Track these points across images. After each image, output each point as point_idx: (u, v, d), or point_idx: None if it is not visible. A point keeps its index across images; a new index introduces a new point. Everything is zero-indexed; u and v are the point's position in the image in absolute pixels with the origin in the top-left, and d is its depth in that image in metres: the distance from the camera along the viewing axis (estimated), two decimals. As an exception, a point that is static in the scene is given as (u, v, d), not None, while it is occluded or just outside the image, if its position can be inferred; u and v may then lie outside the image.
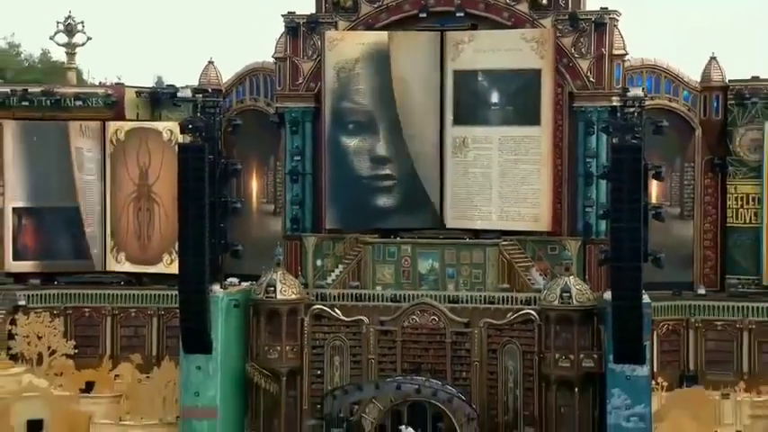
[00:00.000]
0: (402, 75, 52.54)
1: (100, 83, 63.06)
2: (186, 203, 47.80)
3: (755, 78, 52.60)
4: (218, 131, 49.68)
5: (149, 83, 60.20)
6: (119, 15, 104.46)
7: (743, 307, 51.05)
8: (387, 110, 52.75)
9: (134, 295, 55.06)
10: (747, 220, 52.22)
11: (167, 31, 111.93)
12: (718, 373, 50.65)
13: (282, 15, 53.47)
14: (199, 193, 47.64)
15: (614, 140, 46.62)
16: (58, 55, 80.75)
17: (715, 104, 52.58)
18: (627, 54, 51.78)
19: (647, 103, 48.54)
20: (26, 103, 55.83)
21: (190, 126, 48.52)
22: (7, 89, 56.56)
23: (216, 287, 48.89)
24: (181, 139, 51.70)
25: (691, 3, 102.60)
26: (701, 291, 52.07)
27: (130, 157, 55.88)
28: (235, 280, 50.83)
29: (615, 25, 51.44)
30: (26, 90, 56.21)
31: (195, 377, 48.39)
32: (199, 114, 48.99)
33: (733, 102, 52.25)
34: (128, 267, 56.24)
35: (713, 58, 53.26)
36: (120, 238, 56.24)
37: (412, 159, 52.78)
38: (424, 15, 51.94)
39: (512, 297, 49.07)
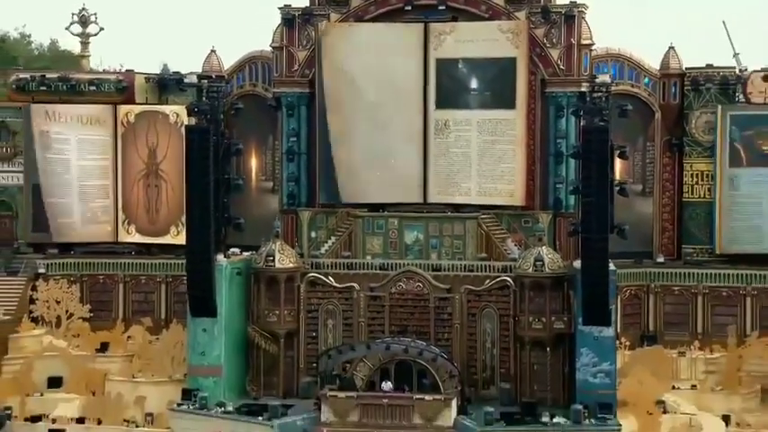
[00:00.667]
0: (388, 62, 52.34)
1: (110, 69, 62.74)
2: (193, 180, 47.91)
3: (710, 66, 53.13)
4: (221, 114, 49.49)
5: (154, 69, 60.11)
6: (124, 6, 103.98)
7: (697, 274, 51.71)
8: (376, 95, 52.64)
9: (144, 264, 55.36)
10: (702, 196, 52.79)
11: (171, 21, 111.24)
12: (675, 333, 51.29)
13: (279, 8, 53.45)
14: (204, 170, 47.66)
15: (583, 123, 46.69)
16: (66, 44, 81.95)
17: (673, 90, 52.97)
18: (594, 44, 52.00)
19: (612, 88, 48.51)
20: (44, 88, 55.93)
21: (196, 109, 48.44)
22: (27, 75, 56.69)
23: (220, 257, 48.90)
24: (186, 121, 51.70)
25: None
26: (660, 259, 52.61)
27: (140, 137, 55.92)
28: (237, 250, 50.70)
29: (583, 17, 51.62)
30: (44, 76, 56.32)
31: (201, 338, 48.50)
32: (204, 99, 49.11)
33: (689, 87, 52.68)
34: (138, 238, 56.35)
35: (671, 48, 53.65)
36: (131, 211, 56.34)
37: (398, 140, 52.66)
38: (410, 8, 51.95)
39: (489, 265, 49.13)
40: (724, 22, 55.70)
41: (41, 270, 53.77)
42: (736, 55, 54.66)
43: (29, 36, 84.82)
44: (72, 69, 59.18)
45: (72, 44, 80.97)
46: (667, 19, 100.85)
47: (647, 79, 53.15)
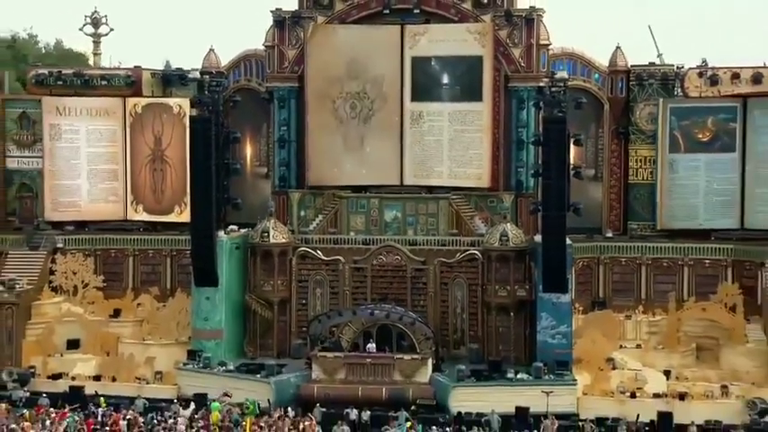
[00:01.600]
0: (368, 60, 52.25)
1: (117, 66, 62.28)
2: (197, 165, 48.09)
3: (652, 64, 53.49)
4: (221, 106, 49.41)
5: (157, 66, 59.99)
6: (130, 8, 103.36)
7: (641, 247, 52.03)
8: (357, 89, 52.55)
9: (151, 239, 55.16)
10: (645, 178, 53.04)
11: (172, 22, 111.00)
12: (621, 299, 51.50)
13: (271, 11, 53.10)
14: (206, 156, 47.81)
15: (544, 114, 46.85)
16: (70, 43, 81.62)
17: (620, 85, 52.96)
18: (550, 44, 51.96)
19: (568, 83, 48.57)
20: (60, 83, 55.44)
21: (199, 102, 48.45)
22: (45, 71, 56.19)
23: (220, 233, 49.03)
24: (189, 112, 51.82)
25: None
26: (609, 234, 52.74)
27: (146, 127, 55.42)
28: (235, 227, 50.73)
29: (541, 20, 51.51)
30: (60, 72, 55.88)
31: (204, 306, 48.76)
32: (206, 92, 48.86)
33: (634, 82, 52.77)
34: (145, 217, 55.97)
35: (618, 48, 53.66)
36: (139, 193, 55.96)
37: (378, 129, 52.60)
38: (387, 12, 51.68)
39: (459, 240, 49.53)
40: (650, 27, 56.18)
41: (60, 245, 53.43)
42: (659, 55, 55.07)
43: (36, 36, 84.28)
44: (78, 66, 58.96)
45: (75, 43, 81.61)
46: (614, 21, 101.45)
47: (597, 75, 53.09)
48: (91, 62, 62.50)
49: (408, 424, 39.25)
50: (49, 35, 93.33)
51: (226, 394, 43.31)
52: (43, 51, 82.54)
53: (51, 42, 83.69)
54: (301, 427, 39.28)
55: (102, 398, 43.40)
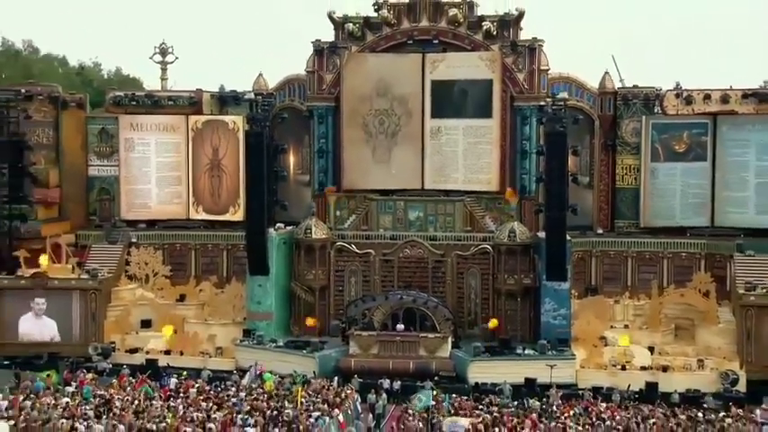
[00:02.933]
0: (394, 83, 52.02)
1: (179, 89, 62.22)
2: (252, 172, 48.50)
3: (635, 86, 53.17)
4: (270, 122, 49.73)
5: (212, 88, 59.59)
6: (190, 38, 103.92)
7: (627, 242, 51.85)
8: (385, 107, 52.35)
9: (210, 235, 55.08)
10: (629, 183, 52.74)
11: (226, 50, 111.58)
12: (611, 286, 51.32)
13: (312, 42, 52.96)
14: (259, 165, 48.22)
15: (547, 128, 46.73)
16: (127, 70, 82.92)
17: (608, 104, 52.70)
18: (549, 69, 51.57)
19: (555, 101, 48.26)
20: (134, 103, 55.65)
21: (253, 119, 48.60)
22: (121, 93, 56.44)
23: (270, 230, 49.28)
24: (243, 127, 52.17)
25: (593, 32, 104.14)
26: (600, 231, 52.54)
27: (206, 140, 55.35)
28: (282, 225, 50.91)
29: (541, 49, 51.13)
30: (134, 94, 56.20)
31: (257, 291, 48.98)
32: (258, 111, 49.05)
33: (620, 102, 52.54)
34: (204, 216, 55.83)
35: (607, 73, 53.54)
36: (199, 195, 55.85)
37: (402, 141, 52.33)
38: (411, 42, 51.69)
39: (473, 236, 49.41)
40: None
41: (134, 240, 53.74)
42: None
43: (100, 64, 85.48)
44: (141, 89, 59.55)
45: (133, 70, 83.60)
46: (604, 47, 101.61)
47: (588, 96, 52.87)
48: (145, 85, 62.75)
49: (435, 392, 39.28)
50: (110, 63, 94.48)
51: (257, 364, 43.95)
52: (106, 77, 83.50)
53: (112, 69, 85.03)
54: (343, 395, 39.45)
55: (180, 371, 43.67)
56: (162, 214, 55.87)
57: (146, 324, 50.31)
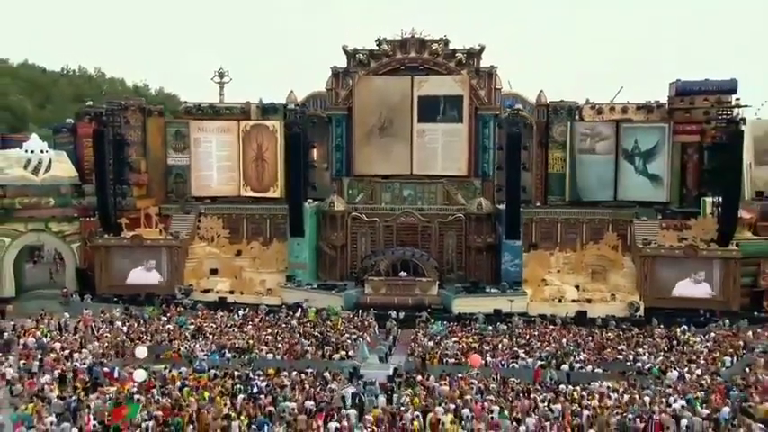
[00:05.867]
0: (391, 98, 51.07)
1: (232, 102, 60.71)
2: (292, 164, 47.76)
3: (562, 100, 52.82)
4: (302, 126, 48.84)
5: (254, 100, 57.92)
6: (239, 64, 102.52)
7: (557, 211, 51.29)
8: (384, 115, 51.39)
9: (256, 208, 53.70)
10: (558, 170, 52.00)
11: (264, 74, 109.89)
12: (547, 243, 50.82)
13: (330, 67, 52.03)
14: (297, 158, 47.71)
15: (507, 131, 46.69)
16: (168, 89, 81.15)
17: (543, 113, 52.34)
18: (502, 88, 51.18)
19: (512, 112, 48.79)
20: (200, 112, 54.17)
21: (293, 124, 48.06)
22: (191, 104, 54.76)
23: (305, 204, 48.71)
24: (282, 130, 51.23)
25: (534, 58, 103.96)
26: (537, 204, 52.09)
27: (252, 139, 53.89)
28: (312, 200, 50.26)
29: (496, 74, 50.55)
30: (200, 104, 54.49)
31: (296, 248, 48.41)
32: (295, 117, 48.15)
33: (551, 112, 52.17)
34: (251, 194, 54.49)
35: (541, 91, 53.05)
36: (248, 179, 54.37)
37: (397, 139, 51.35)
38: (403, 68, 50.79)
39: (450, 208, 49.14)
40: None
41: (202, 211, 52.54)
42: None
43: (148, 85, 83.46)
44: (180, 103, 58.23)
45: (173, 88, 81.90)
46: (541, 72, 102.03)
47: (529, 107, 52.46)
48: (182, 100, 61.17)
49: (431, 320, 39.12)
50: (156, 84, 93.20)
51: (306, 300, 43.68)
52: (154, 94, 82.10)
53: (158, 87, 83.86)
54: (365, 323, 39.19)
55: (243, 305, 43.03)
56: (221, 192, 54.58)
57: (213, 272, 49.50)
